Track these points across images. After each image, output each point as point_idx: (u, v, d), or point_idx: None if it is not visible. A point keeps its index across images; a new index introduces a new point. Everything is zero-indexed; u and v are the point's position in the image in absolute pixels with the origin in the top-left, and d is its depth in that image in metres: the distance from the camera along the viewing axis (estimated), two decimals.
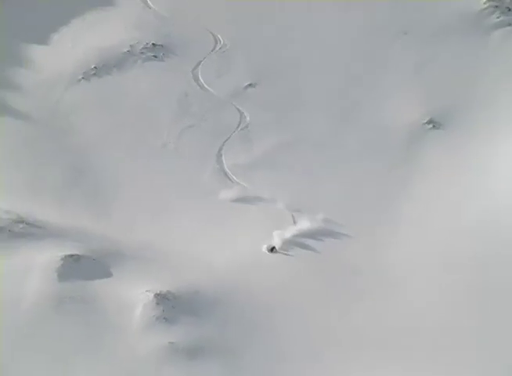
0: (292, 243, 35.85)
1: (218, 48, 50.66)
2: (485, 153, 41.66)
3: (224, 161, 42.26)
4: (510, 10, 52.89)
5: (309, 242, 36.24)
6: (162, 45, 49.86)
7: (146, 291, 29.48)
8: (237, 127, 44.60)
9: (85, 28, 50.96)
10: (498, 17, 52.29)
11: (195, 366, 27.00)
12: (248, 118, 45.25)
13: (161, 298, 29.22)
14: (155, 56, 49.31)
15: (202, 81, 47.87)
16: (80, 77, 46.98)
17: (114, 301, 29.04)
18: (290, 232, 36.62)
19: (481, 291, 32.66)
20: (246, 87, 47.40)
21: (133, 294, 29.38)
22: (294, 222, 37.75)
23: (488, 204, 37.97)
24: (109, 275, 30.58)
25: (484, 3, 53.46)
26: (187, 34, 51.09)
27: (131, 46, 49.36)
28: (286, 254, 35.12)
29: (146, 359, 26.95)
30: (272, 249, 35.32)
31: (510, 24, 51.65)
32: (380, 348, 29.15)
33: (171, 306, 29.18)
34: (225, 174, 41.44)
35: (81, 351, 26.80)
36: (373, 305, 31.74)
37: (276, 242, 35.73)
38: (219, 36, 51.48)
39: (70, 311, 28.27)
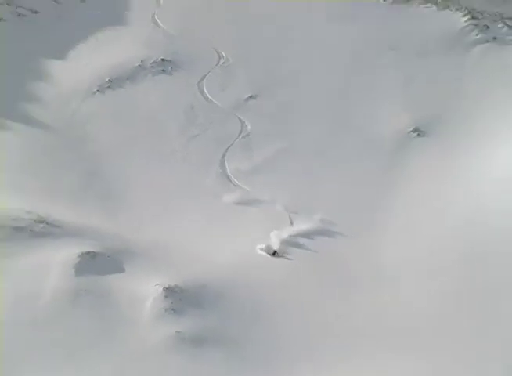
0: (289, 243, 35.62)
1: (221, 64, 50.75)
2: (465, 158, 41.65)
3: (227, 167, 42.19)
4: (488, 28, 52.99)
5: (305, 242, 36.04)
6: (170, 61, 50.02)
7: (156, 285, 29.36)
8: (239, 135, 44.60)
9: (100, 45, 51.14)
10: (477, 35, 52.37)
11: (199, 354, 26.86)
12: (249, 127, 45.23)
13: (169, 292, 29.09)
14: (164, 71, 49.40)
15: (207, 93, 47.93)
16: (95, 89, 47.05)
17: (127, 295, 28.92)
18: (287, 232, 36.43)
19: (473, 289, 32.36)
20: (247, 99, 47.46)
21: (144, 288, 29.26)
22: (291, 223, 37.62)
23: (471, 205, 37.82)
24: (122, 270, 30.45)
25: (465, 21, 53.58)
26: (193, 51, 51.31)
27: (142, 61, 49.50)
28: (287, 258, 34.74)
29: (155, 347, 26.83)
30: (274, 253, 34.71)
31: (488, 41, 51.74)
32: (377, 345, 28.76)
33: (179, 299, 29.05)
34: (228, 178, 41.37)
35: (96, 340, 26.65)
36: (368, 302, 31.41)
37: (274, 242, 35.37)
38: (222, 52, 51.62)
39: (85, 304, 28.15)
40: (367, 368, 27.27)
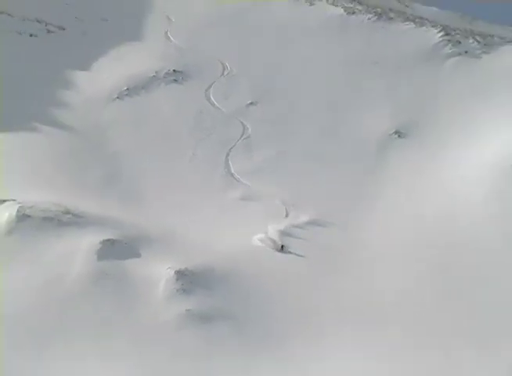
0: (285, 233, 35.15)
1: (225, 74, 50.62)
2: (439, 159, 41.40)
3: (231, 165, 41.92)
4: (460, 43, 53.00)
5: (299, 232, 35.53)
6: (181, 71, 49.94)
7: (168, 268, 29.14)
8: (240, 137, 44.41)
9: (119, 58, 51.10)
10: (450, 49, 52.36)
11: (207, 328, 26.73)
12: (250, 130, 45.03)
13: (180, 274, 28.88)
14: (175, 80, 49.29)
15: (213, 99, 47.78)
16: (115, 97, 46.91)
17: (142, 277, 28.74)
18: (283, 224, 35.80)
19: (443, 273, 32.00)
20: (249, 105, 47.29)
21: (157, 271, 29.07)
22: (287, 215, 37.19)
23: (442, 202, 37.46)
24: (138, 256, 30.23)
25: (440, 37, 53.55)
26: (201, 63, 51.26)
27: (156, 72, 49.40)
28: (298, 255, 33.48)
29: (168, 323, 26.69)
30: (282, 247, 33.35)
31: (460, 54, 51.72)
32: (362, 321, 28.46)
33: (189, 281, 28.83)
34: (232, 176, 41.07)
35: (115, 317, 26.53)
36: (353, 285, 31.04)
37: (271, 233, 34.68)
38: (227, 64, 51.49)
39: (106, 285, 27.99)
40: (351, 341, 27.03)
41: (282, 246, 33.42)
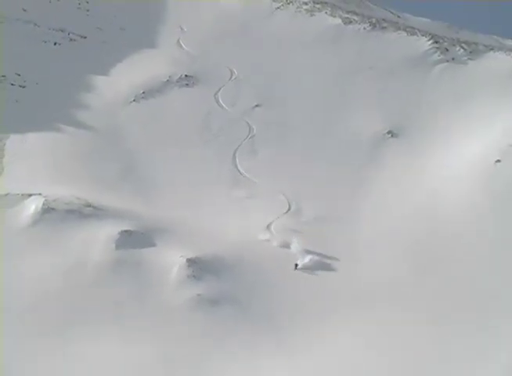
0: (286, 228, 34.44)
1: (233, 79, 50.44)
2: (424, 157, 40.79)
3: (237, 162, 41.66)
4: (447, 51, 52.68)
5: (299, 226, 35.02)
6: (192, 76, 49.84)
7: (181, 256, 29.11)
8: (247, 135, 44.17)
9: (136, 64, 51.08)
10: (438, 56, 52.02)
11: (215, 311, 26.75)
12: (255, 130, 44.83)
13: (192, 262, 28.86)
14: (187, 84, 49.17)
15: (221, 102, 47.64)
16: (132, 99, 46.86)
17: (157, 265, 28.74)
18: (285, 220, 35.20)
19: (423, 263, 31.48)
20: (254, 107, 47.07)
21: (171, 259, 29.05)
22: (289, 209, 36.54)
23: (424, 200, 36.85)
24: (153, 245, 30.19)
25: (429, 45, 53.26)
26: (210, 68, 51.11)
27: (169, 77, 49.33)
28: (310, 273, 31.36)
29: (180, 306, 26.74)
30: (296, 266, 31.31)
31: (447, 61, 51.39)
32: (352, 306, 28.27)
33: (199, 268, 28.81)
34: (239, 171, 40.77)
35: (132, 302, 26.58)
36: (344, 273, 30.81)
37: (274, 227, 34.21)
38: (234, 70, 51.28)
39: (123, 272, 28.03)
40: (343, 325, 26.82)
41: (296, 264, 31.36)
